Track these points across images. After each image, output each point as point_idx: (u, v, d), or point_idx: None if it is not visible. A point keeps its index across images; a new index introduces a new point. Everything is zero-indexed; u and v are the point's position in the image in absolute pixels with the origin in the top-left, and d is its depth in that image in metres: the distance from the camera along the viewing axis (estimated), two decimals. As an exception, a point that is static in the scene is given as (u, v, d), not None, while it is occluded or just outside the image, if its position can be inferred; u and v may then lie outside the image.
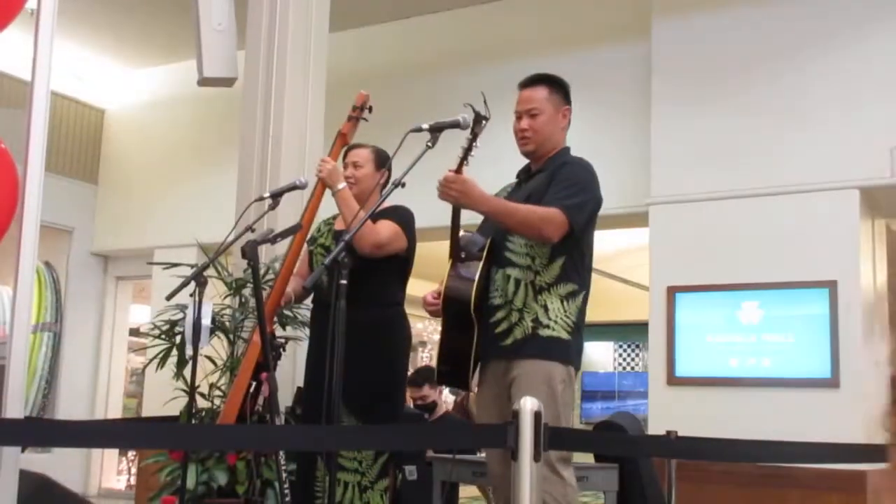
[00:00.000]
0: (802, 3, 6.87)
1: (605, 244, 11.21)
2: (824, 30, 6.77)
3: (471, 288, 3.15)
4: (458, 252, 3.23)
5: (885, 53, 6.57)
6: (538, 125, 3.36)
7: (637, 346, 15.01)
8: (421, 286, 3.93)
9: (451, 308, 3.21)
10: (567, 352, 3.16)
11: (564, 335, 3.16)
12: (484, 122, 3.03)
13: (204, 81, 6.65)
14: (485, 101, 3.06)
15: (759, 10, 7.01)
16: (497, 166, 3.88)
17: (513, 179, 3.61)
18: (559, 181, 3.21)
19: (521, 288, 3.17)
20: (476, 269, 3.19)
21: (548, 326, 3.14)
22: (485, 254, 3.23)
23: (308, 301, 4.78)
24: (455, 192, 3.05)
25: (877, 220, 7.23)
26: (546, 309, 3.15)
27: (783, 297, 6.61)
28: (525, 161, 3.54)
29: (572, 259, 3.21)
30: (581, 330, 3.25)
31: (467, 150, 3.08)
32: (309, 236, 4.29)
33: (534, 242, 3.19)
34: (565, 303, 3.18)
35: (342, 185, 3.91)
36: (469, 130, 3.04)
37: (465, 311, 3.16)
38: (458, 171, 3.09)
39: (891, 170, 6.39)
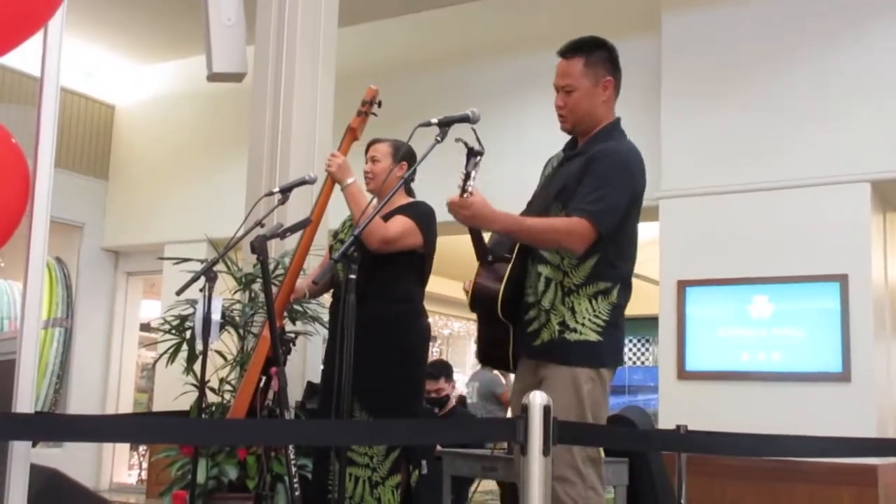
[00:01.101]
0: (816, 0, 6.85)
1: (615, 238, 11.21)
2: (834, 24, 6.74)
3: (497, 289, 3.11)
4: (486, 255, 3.19)
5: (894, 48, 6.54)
6: (573, 103, 3.20)
7: (647, 341, 14.97)
8: (440, 283, 3.92)
9: (480, 307, 3.19)
10: (594, 354, 3.06)
11: (593, 336, 3.06)
12: (478, 157, 2.91)
13: (213, 77, 6.67)
14: (477, 138, 2.94)
15: (768, 4, 6.98)
16: (524, 156, 3.85)
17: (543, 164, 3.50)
18: (588, 179, 3.07)
19: (550, 288, 3.10)
20: (503, 270, 3.13)
21: (574, 330, 3.06)
22: (514, 254, 3.16)
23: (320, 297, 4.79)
24: (463, 217, 2.95)
25: (888, 213, 7.20)
26: (573, 311, 3.07)
27: (794, 292, 6.59)
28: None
29: (606, 256, 3.09)
30: (615, 325, 3.12)
31: (464, 185, 2.93)
32: (332, 231, 4.30)
33: None
34: (594, 302, 3.08)
35: (350, 180, 3.90)
36: (464, 166, 2.91)
37: (493, 312, 3.13)
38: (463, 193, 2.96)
39: (902, 163, 6.37)
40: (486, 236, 3.24)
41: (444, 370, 7.00)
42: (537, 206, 3.23)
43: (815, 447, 4.09)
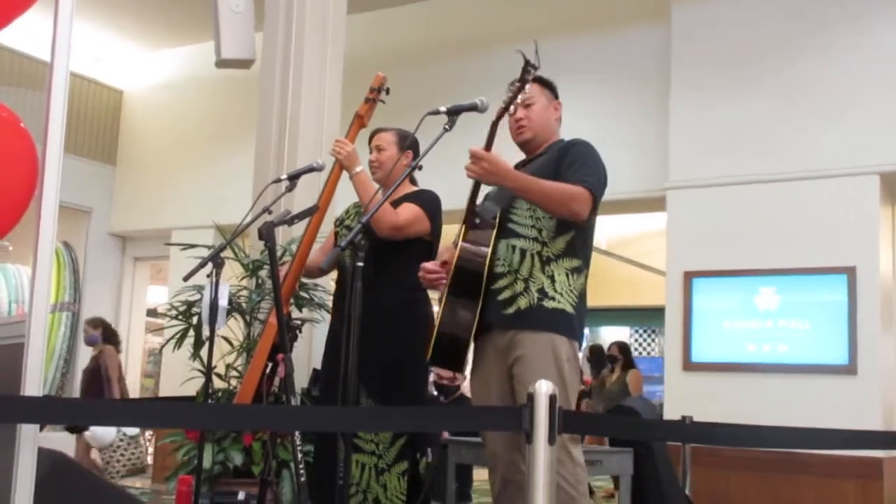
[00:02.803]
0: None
1: (622, 228, 11.21)
2: (844, 15, 6.71)
3: (485, 255, 3.13)
4: (473, 218, 3.21)
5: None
6: (533, 114, 3.34)
7: (653, 332, 14.99)
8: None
9: (460, 275, 3.14)
10: (572, 326, 3.13)
11: (570, 309, 3.12)
12: (533, 70, 2.98)
13: (222, 63, 6.68)
14: (536, 51, 3.00)
15: (780, -7, 6.96)
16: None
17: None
18: (573, 160, 3.19)
19: (526, 258, 3.14)
20: (489, 237, 3.16)
21: (553, 298, 3.10)
22: (496, 222, 3.21)
23: (325, 283, 4.80)
24: (481, 169, 3.02)
25: (897, 206, 7.19)
26: (553, 280, 3.12)
27: (801, 283, 6.58)
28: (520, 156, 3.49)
29: (579, 235, 3.20)
30: (584, 307, 3.22)
31: (514, 97, 3.04)
32: (337, 217, 4.30)
33: (540, 215, 3.16)
34: (570, 277, 3.16)
35: (359, 168, 3.90)
36: (517, 81, 3.01)
37: (475, 280, 3.11)
38: (488, 147, 3.06)
39: (911, 155, 6.36)
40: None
41: None
42: (502, 205, 3.26)
43: (821, 439, 4.09)
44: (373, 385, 3.45)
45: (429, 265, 3.27)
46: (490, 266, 3.15)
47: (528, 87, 3.15)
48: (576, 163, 3.17)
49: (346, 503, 3.21)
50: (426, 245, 3.97)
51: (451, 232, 4.28)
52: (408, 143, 4.00)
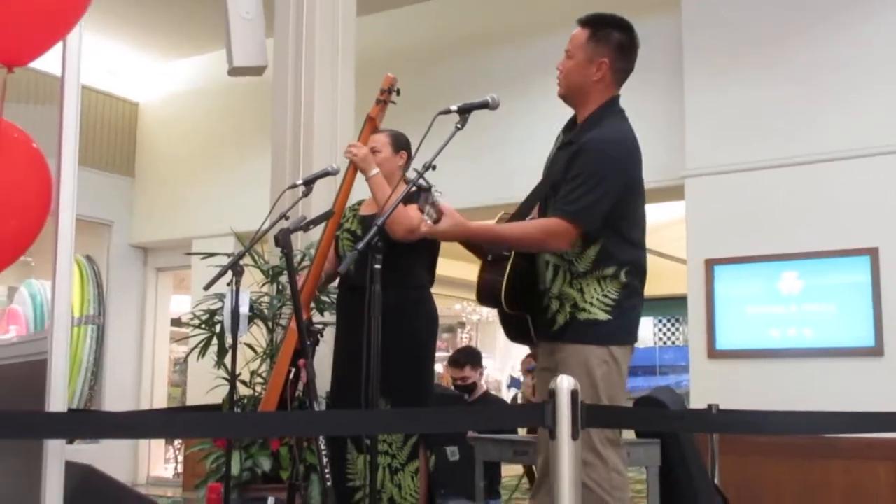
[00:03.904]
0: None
1: (642, 219, 11.15)
2: (859, -7, 6.65)
3: (500, 285, 3.13)
4: (485, 255, 3.20)
5: (922, 15, 6.45)
6: (566, 69, 3.22)
7: (677, 320, 14.92)
8: (451, 266, 3.90)
9: (489, 301, 3.23)
10: (604, 332, 3.07)
11: (602, 316, 3.06)
12: (429, 192, 2.93)
13: (234, 71, 6.69)
14: (424, 172, 3.01)
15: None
16: (544, 142, 3.78)
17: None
18: (571, 178, 3.07)
19: (559, 275, 3.12)
20: (505, 265, 3.15)
21: (584, 310, 3.07)
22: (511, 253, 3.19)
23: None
24: (439, 236, 3.03)
25: (918, 185, 7.12)
26: (582, 293, 3.08)
27: (823, 266, 6.53)
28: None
29: (607, 245, 3.08)
30: (626, 305, 3.11)
31: (425, 215, 2.95)
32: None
33: None
34: (602, 283, 3.09)
35: (375, 170, 3.91)
36: (419, 204, 2.94)
37: (501, 305, 3.15)
38: (437, 220, 2.98)
39: (932, 133, 6.30)
40: None
41: (470, 358, 7.02)
42: (537, 194, 3.24)
43: (850, 423, 4.05)
44: (383, 383, 3.42)
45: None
46: (532, 284, 3.18)
47: (575, 31, 3.18)
48: (574, 181, 3.04)
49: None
50: (429, 245, 3.98)
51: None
52: (401, 144, 4.03)
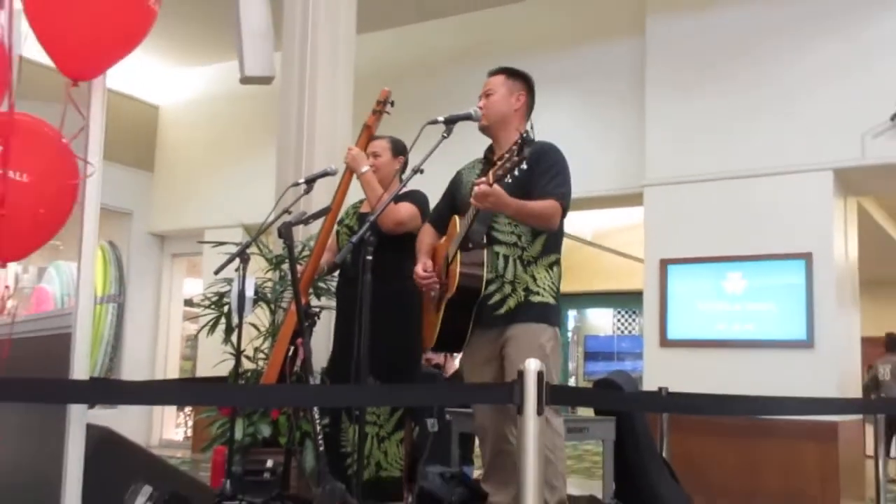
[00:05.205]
0: (784, 2, 6.79)
1: (605, 221, 11.17)
2: (802, 26, 6.69)
3: (481, 276, 3.14)
4: (467, 243, 3.20)
5: (856, 48, 6.50)
6: (489, 102, 3.31)
7: (634, 313, 14.97)
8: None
9: (462, 293, 3.16)
10: (555, 315, 3.18)
11: (551, 300, 3.16)
12: (526, 150, 2.92)
13: (245, 80, 6.65)
14: (531, 128, 2.96)
15: (743, 8, 6.94)
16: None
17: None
18: (547, 168, 3.17)
19: (510, 263, 3.16)
20: (481, 257, 3.15)
21: (537, 293, 3.13)
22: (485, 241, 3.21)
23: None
24: (489, 203, 3.00)
25: (849, 198, 7.18)
26: (534, 278, 3.15)
27: (764, 268, 6.59)
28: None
29: (552, 235, 3.21)
30: (560, 291, 3.26)
31: (513, 167, 2.94)
32: (338, 217, 4.29)
33: (517, 222, 3.18)
34: (549, 271, 3.19)
35: (365, 168, 3.90)
36: (511, 157, 2.91)
37: (474, 295, 3.14)
38: (491, 184, 2.99)
39: (861, 152, 6.34)
40: None
41: None
42: (486, 216, 3.21)
43: (783, 407, 4.10)
44: (375, 364, 3.44)
45: (421, 270, 3.25)
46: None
47: (491, 77, 3.28)
48: (550, 172, 3.16)
49: (361, 469, 3.23)
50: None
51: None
52: (398, 149, 4.05)
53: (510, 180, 2.99)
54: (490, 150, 3.40)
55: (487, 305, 3.15)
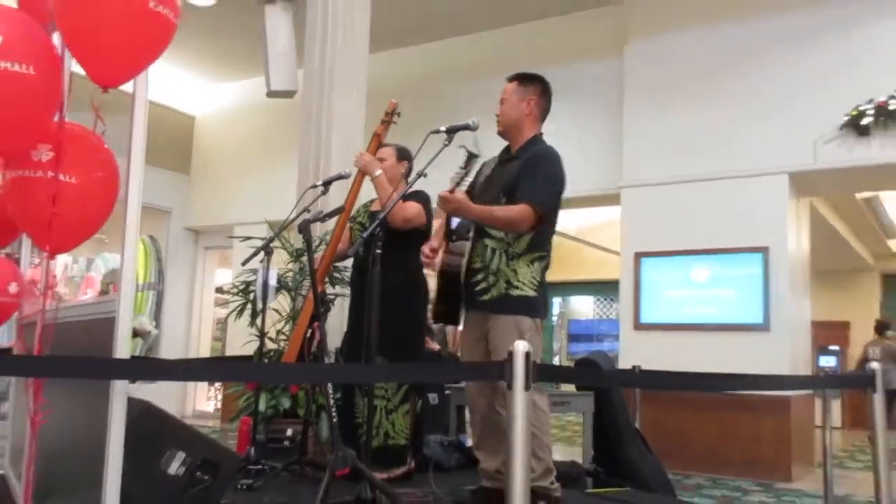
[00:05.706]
0: (743, 27, 6.79)
1: (588, 219, 11.16)
2: (761, 49, 6.68)
3: (459, 263, 3.15)
4: (452, 235, 3.20)
5: (809, 67, 6.49)
6: (503, 110, 3.25)
7: (611, 299, 14.96)
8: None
9: (447, 275, 3.20)
10: (534, 306, 3.08)
11: (531, 293, 3.07)
12: (475, 158, 2.95)
13: (271, 94, 6.66)
14: (475, 142, 2.97)
15: (709, 34, 6.93)
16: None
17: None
18: (530, 174, 3.10)
19: (496, 255, 3.11)
20: (462, 248, 3.16)
21: (518, 287, 3.06)
22: (472, 234, 3.20)
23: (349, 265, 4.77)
24: (451, 208, 3.01)
25: (802, 199, 7.17)
26: (516, 273, 3.08)
27: (726, 261, 6.58)
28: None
29: (539, 233, 3.12)
30: (545, 285, 3.16)
31: (460, 180, 2.98)
32: (351, 215, 4.28)
33: None
34: (531, 266, 3.10)
35: (378, 172, 3.88)
36: (462, 165, 2.95)
37: (456, 279, 3.15)
38: (451, 191, 3.01)
39: (814, 158, 6.33)
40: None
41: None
42: (487, 198, 3.20)
43: (743, 383, 4.09)
44: (384, 346, 3.43)
45: (427, 249, 3.24)
46: (470, 263, 3.16)
47: (506, 85, 3.22)
48: (536, 177, 3.08)
49: (370, 438, 3.22)
50: (421, 234, 3.96)
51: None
52: (403, 155, 4.03)
53: (507, 179, 2.98)
54: (506, 151, 3.35)
55: (475, 291, 3.12)
